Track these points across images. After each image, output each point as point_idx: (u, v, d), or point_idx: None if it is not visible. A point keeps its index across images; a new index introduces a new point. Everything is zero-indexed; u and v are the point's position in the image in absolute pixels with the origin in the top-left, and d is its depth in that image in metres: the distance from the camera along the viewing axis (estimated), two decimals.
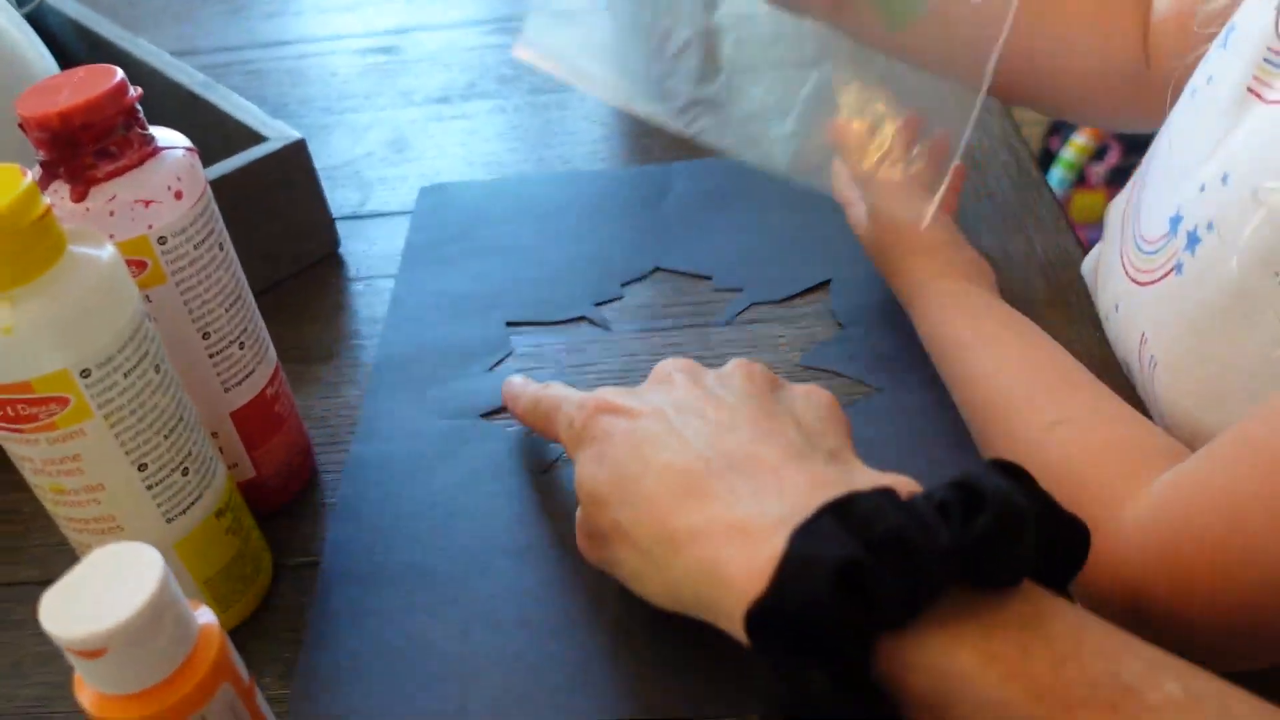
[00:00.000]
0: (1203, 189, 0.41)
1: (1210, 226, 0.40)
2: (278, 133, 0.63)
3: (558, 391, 0.43)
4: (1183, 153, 0.44)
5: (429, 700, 0.41)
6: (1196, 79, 0.45)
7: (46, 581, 0.50)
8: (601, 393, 0.40)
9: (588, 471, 0.38)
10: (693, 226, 0.65)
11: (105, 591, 0.30)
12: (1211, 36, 0.45)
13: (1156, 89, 0.51)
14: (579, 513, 0.40)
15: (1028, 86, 0.57)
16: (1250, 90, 0.40)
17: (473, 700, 0.41)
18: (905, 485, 0.32)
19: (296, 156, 0.63)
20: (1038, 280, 0.58)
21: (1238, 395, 0.40)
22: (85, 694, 0.31)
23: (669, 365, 0.41)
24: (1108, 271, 0.51)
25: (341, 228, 0.68)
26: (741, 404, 0.37)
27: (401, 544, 0.48)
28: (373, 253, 0.67)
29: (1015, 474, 0.30)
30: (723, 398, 0.38)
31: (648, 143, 0.74)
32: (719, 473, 0.34)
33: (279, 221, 0.63)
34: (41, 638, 0.46)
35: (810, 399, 0.38)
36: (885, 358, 0.54)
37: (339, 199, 0.72)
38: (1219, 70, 0.43)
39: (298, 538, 0.49)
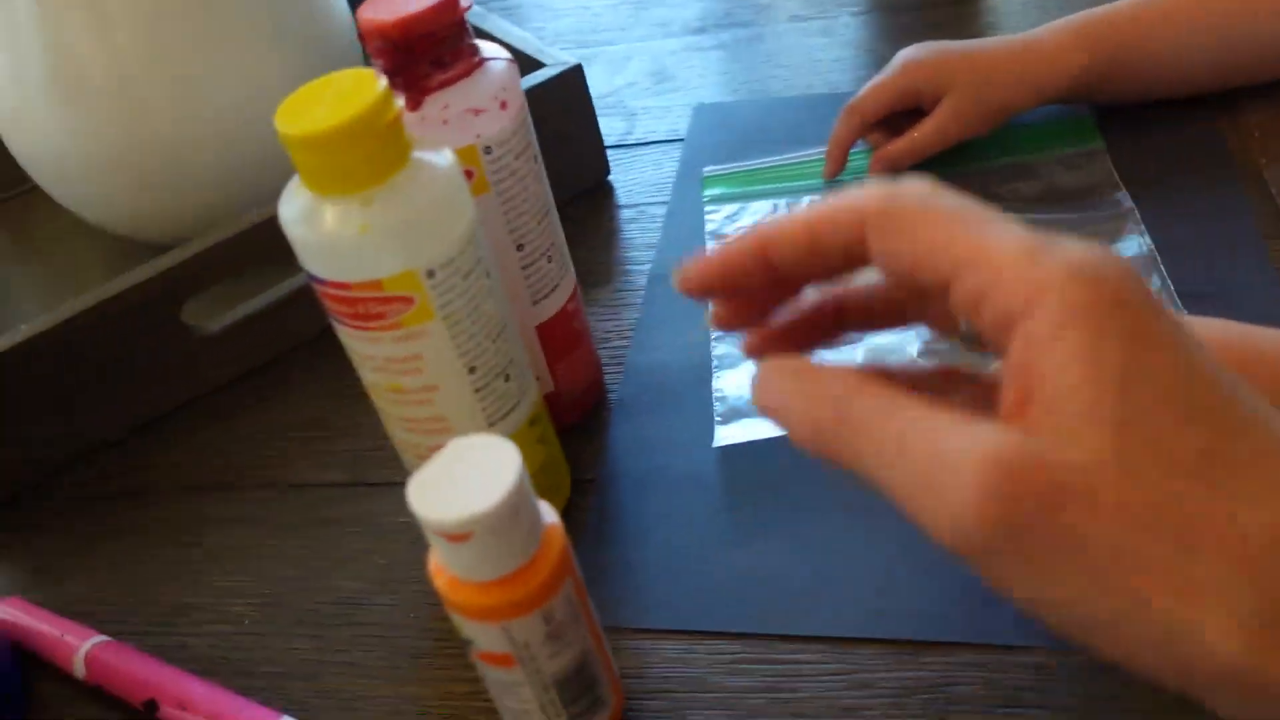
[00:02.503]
0: None
1: None
2: (554, 59, 0.64)
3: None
4: None
5: (699, 607, 0.42)
6: None
7: (355, 483, 0.53)
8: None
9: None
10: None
11: (468, 480, 0.31)
12: None
13: None
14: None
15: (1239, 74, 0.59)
16: None
17: (742, 610, 0.41)
18: None
19: (574, 82, 0.63)
20: None
21: None
22: (442, 579, 0.32)
23: None
24: None
25: (609, 156, 0.68)
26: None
27: (675, 450, 0.48)
28: (642, 180, 0.67)
29: None
30: None
31: None
32: None
33: (556, 147, 0.64)
34: (355, 534, 0.49)
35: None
36: None
37: (605, 128, 0.72)
38: None
39: (589, 453, 0.49)
